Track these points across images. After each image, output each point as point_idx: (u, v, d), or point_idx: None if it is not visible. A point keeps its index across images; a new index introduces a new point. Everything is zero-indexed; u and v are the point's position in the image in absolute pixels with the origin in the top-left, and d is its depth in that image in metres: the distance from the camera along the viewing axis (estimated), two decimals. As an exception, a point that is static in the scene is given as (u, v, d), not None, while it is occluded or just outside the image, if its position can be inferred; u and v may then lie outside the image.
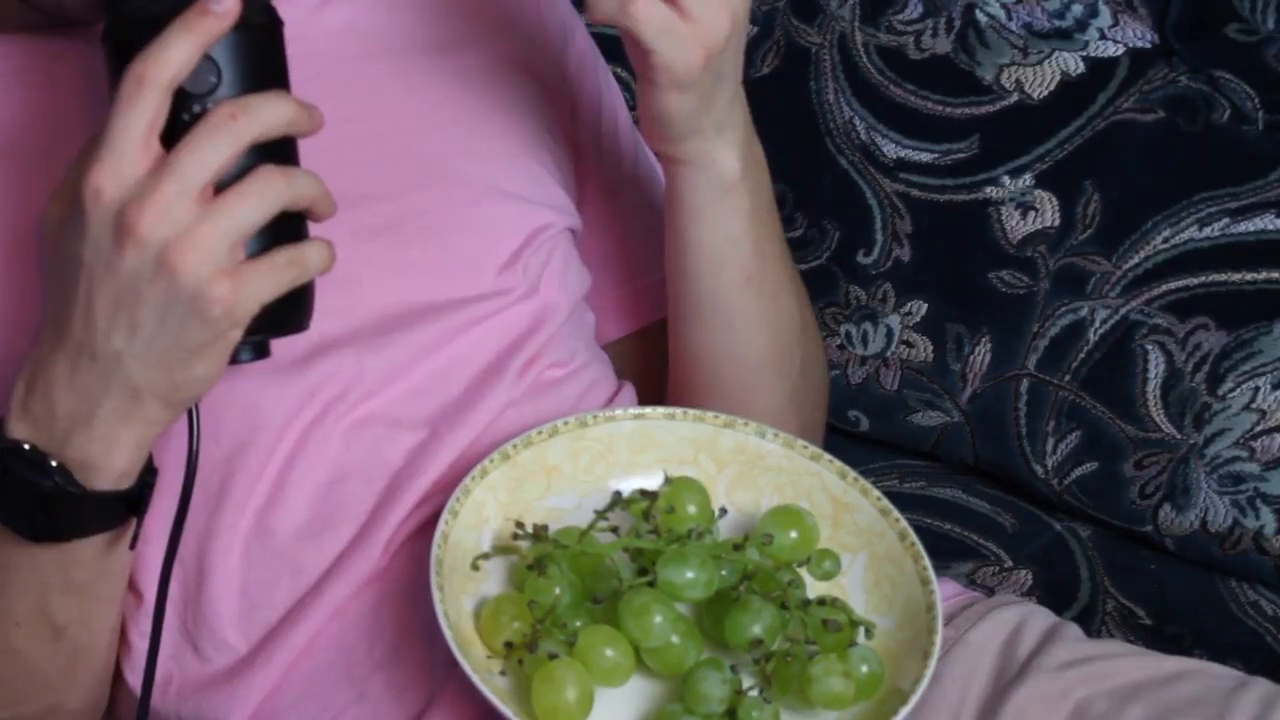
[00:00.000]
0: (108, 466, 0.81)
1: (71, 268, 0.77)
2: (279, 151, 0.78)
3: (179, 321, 0.76)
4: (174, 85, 0.76)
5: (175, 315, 0.76)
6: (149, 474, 0.83)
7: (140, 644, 0.92)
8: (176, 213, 0.74)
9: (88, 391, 0.79)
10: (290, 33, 0.81)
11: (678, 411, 0.96)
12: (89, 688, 0.92)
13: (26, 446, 0.80)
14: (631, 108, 1.11)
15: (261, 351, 0.82)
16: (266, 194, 0.76)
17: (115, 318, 0.77)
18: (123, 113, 0.75)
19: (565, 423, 0.94)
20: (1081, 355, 1.26)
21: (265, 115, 0.76)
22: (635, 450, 0.95)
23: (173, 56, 0.75)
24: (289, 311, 0.80)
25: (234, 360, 0.80)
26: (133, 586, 0.92)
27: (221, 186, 0.76)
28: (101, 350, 0.78)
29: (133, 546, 0.85)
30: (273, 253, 0.77)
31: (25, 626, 0.87)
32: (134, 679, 0.93)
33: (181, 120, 0.76)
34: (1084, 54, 1.29)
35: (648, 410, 0.96)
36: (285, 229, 0.78)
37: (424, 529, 0.92)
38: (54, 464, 0.80)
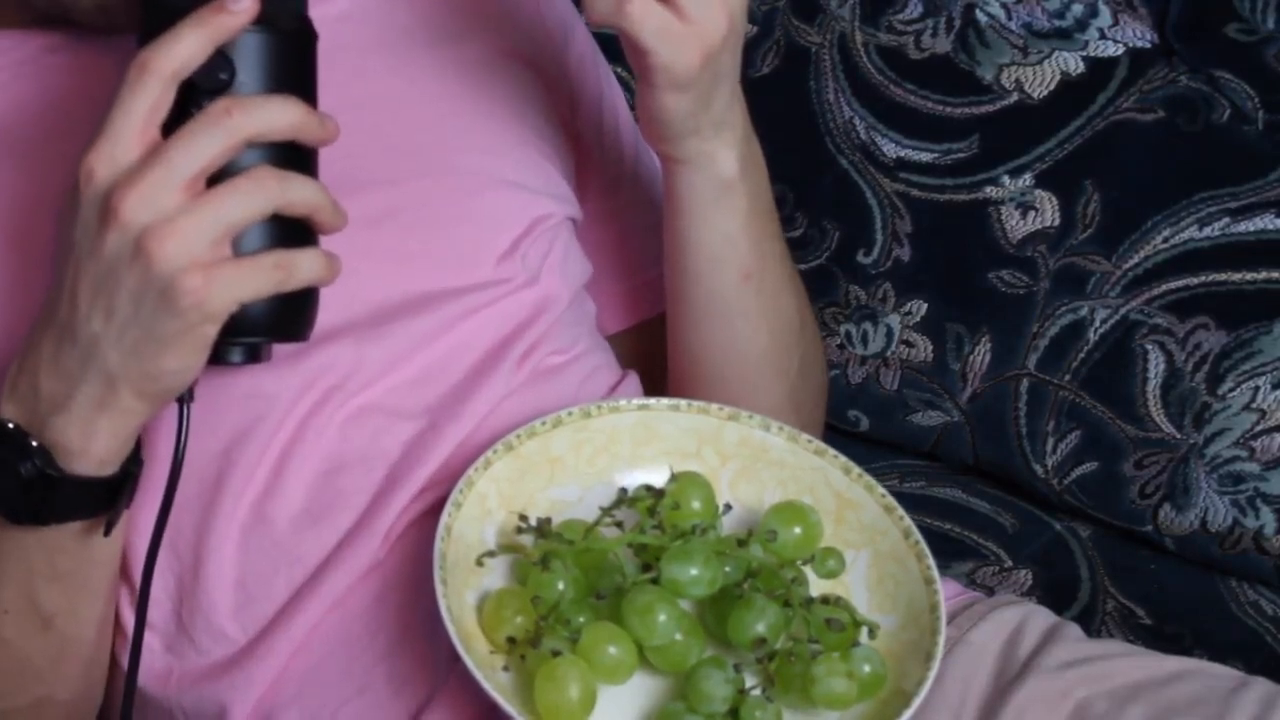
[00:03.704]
0: (85, 452, 0.81)
1: (66, 248, 0.78)
2: (294, 160, 0.78)
3: (151, 310, 0.76)
4: (178, 77, 0.76)
5: (148, 303, 0.76)
6: (134, 464, 0.83)
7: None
8: (160, 199, 0.74)
9: (68, 374, 0.79)
10: None
11: (682, 403, 0.96)
12: (78, 679, 0.91)
13: (11, 426, 0.80)
14: (632, 107, 1.11)
15: (254, 355, 0.81)
16: (255, 193, 0.76)
17: (95, 301, 0.77)
18: (124, 99, 0.76)
19: (569, 413, 0.94)
20: (1081, 355, 1.26)
21: (264, 115, 0.76)
22: (639, 442, 0.95)
23: (179, 48, 0.75)
24: (286, 317, 0.80)
25: (224, 360, 0.80)
26: (127, 578, 0.91)
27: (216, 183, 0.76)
28: (81, 333, 0.78)
29: (107, 533, 0.84)
30: (259, 254, 0.77)
31: (13, 614, 0.87)
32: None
33: (188, 114, 0.76)
34: (1084, 54, 1.29)
35: (651, 401, 0.96)
36: (290, 237, 0.78)
37: (423, 518, 0.92)
38: (34, 444, 0.80)
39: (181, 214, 0.75)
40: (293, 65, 0.80)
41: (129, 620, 0.92)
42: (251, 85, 0.77)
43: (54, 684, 0.91)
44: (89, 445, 0.80)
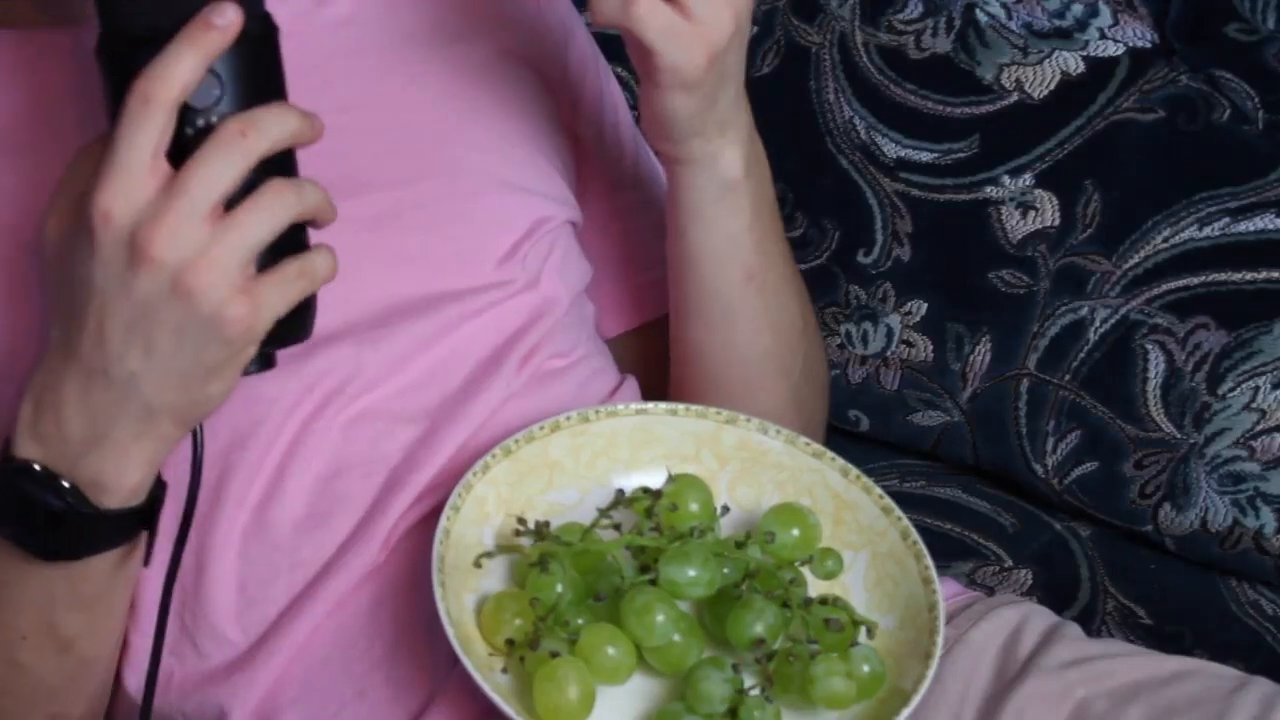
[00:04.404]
0: (119, 485, 0.80)
1: (79, 288, 0.76)
2: (281, 163, 0.78)
3: (196, 342, 0.76)
4: (180, 102, 0.75)
5: (193, 336, 0.75)
6: (159, 488, 0.83)
7: (139, 643, 0.92)
8: (189, 234, 0.74)
9: (102, 413, 0.78)
10: (290, 27, 0.80)
11: (680, 407, 0.96)
12: (92, 696, 0.91)
13: (37, 467, 0.80)
14: (632, 107, 1.11)
15: (268, 363, 0.82)
16: (278, 209, 0.76)
17: (129, 340, 0.76)
18: (129, 133, 0.74)
19: (567, 417, 0.94)
20: (1081, 355, 1.26)
21: (274, 130, 0.76)
22: (637, 446, 0.95)
23: (178, 73, 0.74)
24: (296, 322, 0.80)
25: (243, 373, 0.80)
26: None
27: (229, 202, 0.75)
28: (115, 372, 0.77)
29: (147, 563, 0.84)
30: (283, 265, 0.77)
31: (31, 639, 0.86)
32: (132, 679, 0.93)
33: (186, 135, 0.75)
34: (1084, 53, 1.29)
35: (650, 406, 0.96)
36: (290, 239, 0.78)
37: (423, 523, 0.92)
38: (66, 484, 0.80)
39: (213, 245, 0.74)
40: (270, 68, 0.79)
41: (131, 627, 0.92)
42: (238, 96, 0.77)
43: (68, 702, 0.90)
44: (123, 478, 0.80)
